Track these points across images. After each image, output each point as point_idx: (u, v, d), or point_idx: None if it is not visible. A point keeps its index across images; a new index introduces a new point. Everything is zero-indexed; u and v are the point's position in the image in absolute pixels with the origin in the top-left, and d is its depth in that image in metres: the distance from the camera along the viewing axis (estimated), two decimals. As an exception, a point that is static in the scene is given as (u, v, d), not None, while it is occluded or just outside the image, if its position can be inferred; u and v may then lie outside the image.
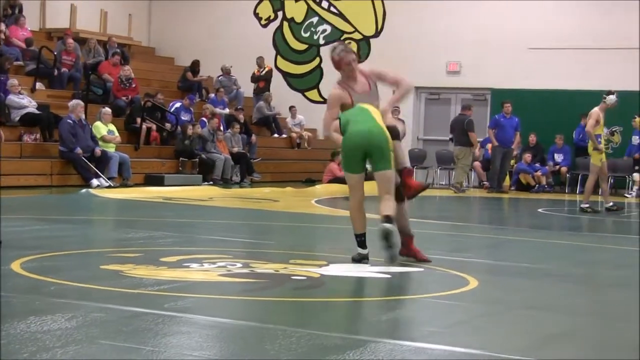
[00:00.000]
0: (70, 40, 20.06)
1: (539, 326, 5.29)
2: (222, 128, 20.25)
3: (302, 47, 24.62)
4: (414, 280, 7.03)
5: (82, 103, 16.97)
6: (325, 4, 24.33)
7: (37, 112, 17.02)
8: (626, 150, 20.98)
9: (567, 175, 21.17)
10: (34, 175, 15.99)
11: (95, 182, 15.98)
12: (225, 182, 18.99)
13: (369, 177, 7.55)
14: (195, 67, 23.05)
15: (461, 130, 19.54)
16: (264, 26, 24.89)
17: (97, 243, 9.06)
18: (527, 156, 21.08)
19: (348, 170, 7.43)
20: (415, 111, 23.45)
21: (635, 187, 20.12)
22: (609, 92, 14.61)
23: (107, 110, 17.82)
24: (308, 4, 24.48)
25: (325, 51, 24.17)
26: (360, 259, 7.40)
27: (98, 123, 17.35)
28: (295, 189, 17.74)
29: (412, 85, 7.71)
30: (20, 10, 20.59)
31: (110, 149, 17.07)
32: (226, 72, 23.25)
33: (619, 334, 5.22)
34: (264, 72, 23.60)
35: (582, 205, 14.75)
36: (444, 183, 22.46)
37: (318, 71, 24.41)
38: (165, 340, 4.49)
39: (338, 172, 18.59)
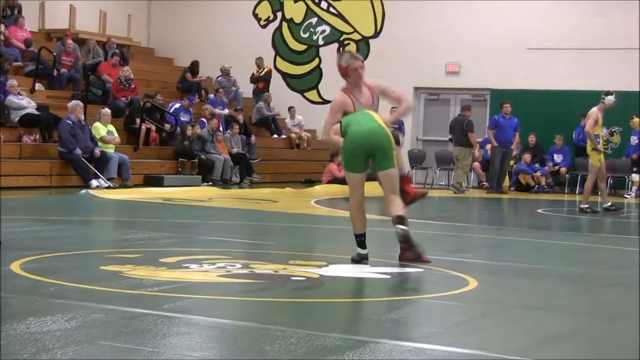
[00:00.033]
0: (70, 41, 20.06)
1: (539, 326, 5.30)
2: (221, 129, 20.25)
3: (302, 47, 24.62)
4: (414, 280, 7.03)
5: (81, 104, 16.97)
6: (324, 5, 24.34)
7: (36, 112, 17.01)
8: (625, 151, 20.97)
9: (567, 175, 21.16)
10: (34, 176, 15.99)
11: (94, 182, 15.98)
12: (225, 183, 18.99)
13: (368, 178, 7.57)
14: (194, 67, 23.05)
15: (461, 131, 19.54)
16: (263, 27, 24.89)
17: (96, 244, 9.06)
18: (527, 157, 21.08)
19: (350, 170, 7.43)
20: (415, 111, 23.42)
21: (634, 188, 20.12)
22: (608, 93, 14.63)
23: (107, 111, 17.82)
24: (307, 5, 24.48)
25: (324, 52, 24.20)
26: (360, 260, 7.40)
27: (97, 124, 17.35)
28: (295, 190, 17.73)
29: (413, 104, 7.75)
30: (20, 11, 20.59)
31: (110, 149, 17.07)
32: (225, 72, 23.25)
33: (618, 334, 5.22)
34: (263, 72, 23.60)
35: (582, 206, 14.76)
36: (443, 183, 22.45)
37: (317, 72, 24.42)
38: (165, 341, 4.49)
39: (337, 173, 18.60)
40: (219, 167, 19.05)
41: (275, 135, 23.03)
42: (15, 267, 6.57)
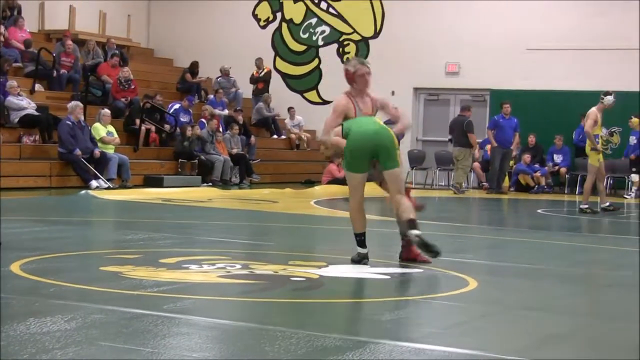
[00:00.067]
0: (69, 42, 20.06)
1: (538, 327, 5.30)
2: (221, 129, 20.25)
3: (301, 48, 24.62)
4: (414, 281, 7.03)
5: (81, 104, 16.97)
6: (324, 5, 24.34)
7: (36, 113, 17.02)
8: (624, 151, 20.97)
9: (567, 175, 21.16)
10: (33, 176, 15.99)
11: (94, 183, 15.99)
12: (225, 183, 18.99)
13: (368, 179, 7.58)
14: (194, 68, 23.06)
15: (460, 131, 19.53)
16: (263, 27, 24.89)
17: (96, 244, 9.06)
18: (527, 157, 21.08)
19: (352, 170, 7.43)
20: (415, 112, 23.43)
21: (634, 188, 20.12)
22: (607, 93, 14.63)
23: (106, 111, 17.82)
24: (307, 5, 24.49)
25: (324, 52, 24.21)
26: (361, 259, 7.41)
27: (97, 124, 17.36)
28: (295, 190, 17.73)
29: (411, 123, 7.79)
30: (19, 12, 20.60)
31: (110, 150, 17.07)
32: (225, 73, 23.25)
33: (617, 335, 5.23)
34: (262, 73, 23.61)
35: (582, 206, 14.76)
36: (443, 184, 22.45)
37: (317, 72, 24.42)
38: (165, 342, 4.49)
39: (337, 173, 18.60)
40: (218, 167, 19.05)
41: (275, 136, 23.04)
42: (15, 267, 6.57)
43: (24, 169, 15.87)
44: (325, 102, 23.71)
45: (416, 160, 22.52)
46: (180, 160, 18.95)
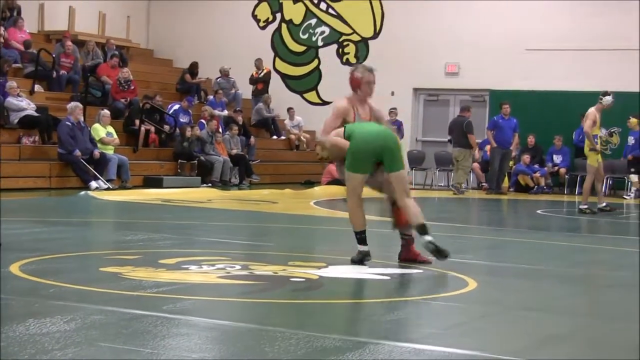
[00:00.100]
0: (69, 43, 20.06)
1: (538, 327, 5.30)
2: (220, 130, 20.25)
3: (301, 48, 24.62)
4: (413, 281, 7.04)
5: (80, 105, 16.97)
6: (323, 6, 24.34)
7: (35, 114, 17.01)
8: (623, 152, 20.97)
9: (566, 176, 21.16)
10: (33, 177, 15.99)
11: (94, 184, 15.98)
12: (224, 184, 18.99)
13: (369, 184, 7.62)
14: (193, 69, 23.06)
15: (460, 132, 19.52)
16: (263, 28, 24.89)
17: (96, 245, 9.06)
18: (526, 157, 21.08)
19: (354, 171, 7.42)
20: (414, 112, 23.46)
21: (633, 189, 20.12)
22: (605, 93, 14.63)
23: (106, 112, 17.83)
24: (306, 6, 24.48)
25: (323, 53, 24.21)
26: (363, 256, 7.42)
27: (97, 125, 17.36)
28: (294, 191, 17.74)
29: (400, 141, 7.89)
30: (19, 13, 20.60)
31: (109, 151, 17.07)
32: (225, 74, 23.25)
33: (617, 335, 5.23)
34: (262, 74, 23.61)
35: (581, 207, 14.76)
36: (442, 184, 22.45)
37: (316, 73, 24.42)
38: (165, 343, 4.49)
39: (337, 174, 18.58)
40: (218, 168, 19.05)
41: (275, 137, 23.04)
42: (14, 268, 6.57)
43: (23, 170, 15.87)
44: (324, 103, 23.71)
45: (416, 160, 22.52)
46: (179, 161, 18.95)
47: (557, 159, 21.35)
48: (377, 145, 7.33)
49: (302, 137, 23.06)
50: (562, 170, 21.19)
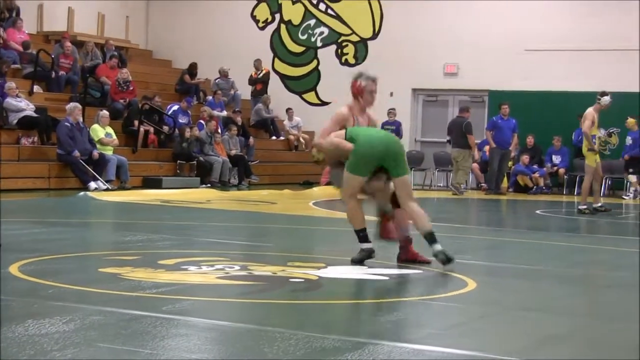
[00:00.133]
0: (68, 44, 20.06)
1: (537, 327, 5.30)
2: (219, 130, 20.25)
3: (300, 49, 24.62)
4: (412, 282, 7.04)
5: (79, 106, 16.97)
6: (322, 7, 24.34)
7: (34, 115, 17.01)
8: (622, 152, 20.97)
9: (565, 176, 21.17)
10: (32, 178, 15.99)
11: (93, 185, 15.98)
12: (223, 185, 18.99)
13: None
14: (192, 69, 23.06)
15: (459, 133, 19.53)
16: (262, 29, 24.89)
17: (95, 246, 9.06)
18: (525, 158, 21.08)
19: (356, 173, 7.41)
20: (413, 113, 23.46)
21: (632, 189, 20.12)
22: (603, 93, 14.62)
23: (105, 113, 17.82)
24: (305, 7, 24.48)
25: (323, 53, 24.21)
26: (369, 254, 7.44)
27: (96, 126, 17.35)
28: (293, 191, 17.74)
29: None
30: (18, 13, 20.59)
31: (108, 151, 17.07)
32: (224, 74, 23.25)
33: (616, 335, 5.23)
34: (261, 74, 23.61)
35: (580, 207, 14.76)
36: (441, 185, 22.45)
37: (315, 73, 24.41)
38: (164, 343, 4.49)
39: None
40: (217, 169, 19.05)
41: (274, 137, 23.03)
42: (13, 269, 6.57)
43: (22, 171, 15.87)
44: (323, 103, 23.73)
45: (415, 161, 22.48)
46: (178, 161, 18.95)
47: (556, 159, 21.35)
48: (384, 149, 7.36)
49: (301, 138, 23.06)
50: (561, 170, 21.19)
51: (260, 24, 24.89)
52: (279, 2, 24.69)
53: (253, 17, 24.93)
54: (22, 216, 10.87)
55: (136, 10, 25.35)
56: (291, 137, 23.05)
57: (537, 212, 15.45)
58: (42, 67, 19.40)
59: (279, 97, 23.79)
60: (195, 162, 18.98)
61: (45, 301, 5.45)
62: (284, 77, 24.69)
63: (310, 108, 24.00)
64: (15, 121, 16.76)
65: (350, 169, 7.44)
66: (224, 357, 4.34)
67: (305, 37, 24.52)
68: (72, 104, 16.93)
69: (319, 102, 24.09)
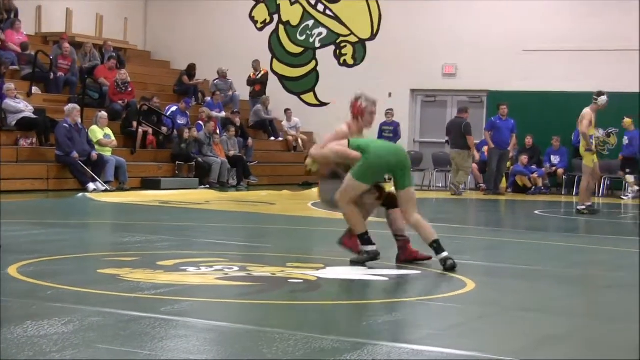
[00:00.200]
0: (67, 45, 20.06)
1: (536, 328, 5.30)
2: (218, 131, 20.25)
3: (298, 50, 24.62)
4: (411, 282, 7.04)
5: (78, 107, 16.97)
6: (320, 7, 24.34)
7: (33, 116, 17.01)
8: (620, 152, 20.97)
9: (564, 176, 21.18)
10: (31, 179, 15.99)
11: (91, 186, 15.98)
12: (222, 186, 18.99)
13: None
14: (191, 70, 23.06)
15: (458, 133, 19.54)
16: (260, 29, 24.89)
17: (93, 247, 9.05)
18: (524, 158, 21.09)
19: (363, 181, 7.44)
20: (412, 113, 23.46)
21: (630, 189, 20.13)
22: (600, 93, 14.61)
23: (103, 114, 17.82)
24: (304, 7, 24.48)
25: (321, 54, 24.21)
26: (374, 257, 7.46)
27: (94, 127, 17.35)
28: (292, 192, 17.74)
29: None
30: (16, 15, 20.59)
31: (107, 153, 17.07)
32: (222, 75, 23.26)
33: (615, 336, 5.23)
34: (260, 75, 23.61)
35: (579, 207, 14.76)
36: (440, 185, 22.46)
37: (314, 74, 24.41)
38: (163, 344, 4.49)
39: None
40: (216, 169, 19.05)
41: (272, 138, 23.03)
42: (12, 270, 6.56)
43: (21, 172, 15.87)
44: (322, 104, 23.74)
45: (413, 161, 22.41)
46: (177, 162, 18.95)
47: (554, 159, 21.36)
48: (396, 159, 7.46)
49: (299, 139, 23.06)
50: (560, 170, 21.20)
51: (259, 25, 24.89)
52: (278, 2, 24.69)
53: (251, 18, 24.94)
54: (21, 217, 10.87)
55: (134, 11, 25.35)
56: (290, 137, 23.05)
57: (536, 212, 15.46)
58: (41, 69, 19.40)
59: (277, 97, 23.80)
60: (194, 163, 18.98)
61: (44, 302, 5.45)
62: (282, 78, 24.70)
63: (309, 109, 24.01)
64: (13, 122, 16.76)
65: (357, 176, 7.45)
66: (223, 358, 4.34)
67: (303, 38, 24.52)
68: (70, 105, 16.93)
69: (317, 102, 24.10)
